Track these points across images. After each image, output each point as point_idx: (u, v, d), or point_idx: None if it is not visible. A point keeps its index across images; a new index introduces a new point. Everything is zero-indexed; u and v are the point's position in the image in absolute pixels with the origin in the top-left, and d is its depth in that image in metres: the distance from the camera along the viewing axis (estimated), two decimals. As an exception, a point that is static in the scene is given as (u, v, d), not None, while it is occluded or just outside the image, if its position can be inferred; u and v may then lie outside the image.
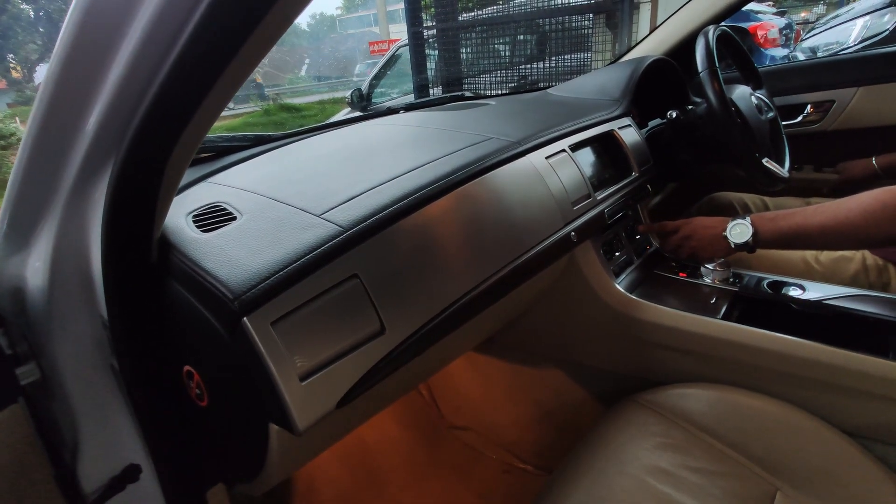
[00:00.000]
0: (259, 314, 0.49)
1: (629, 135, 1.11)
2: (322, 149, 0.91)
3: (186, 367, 0.59)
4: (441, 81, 3.06)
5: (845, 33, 2.40)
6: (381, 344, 0.57)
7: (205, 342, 0.54)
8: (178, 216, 0.65)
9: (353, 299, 0.56)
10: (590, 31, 2.44)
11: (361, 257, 0.58)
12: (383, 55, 4.60)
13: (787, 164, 1.20)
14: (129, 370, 0.59)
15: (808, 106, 1.43)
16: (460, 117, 1.07)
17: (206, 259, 0.54)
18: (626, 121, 1.14)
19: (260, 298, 0.49)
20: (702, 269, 1.01)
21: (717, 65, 1.06)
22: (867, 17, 2.33)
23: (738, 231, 0.92)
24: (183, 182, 0.79)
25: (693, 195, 1.47)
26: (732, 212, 1.34)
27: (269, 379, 0.49)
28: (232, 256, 0.54)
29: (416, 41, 2.89)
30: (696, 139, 1.17)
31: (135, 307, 0.57)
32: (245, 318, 0.49)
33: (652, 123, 1.30)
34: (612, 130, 1.07)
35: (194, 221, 0.63)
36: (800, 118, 1.44)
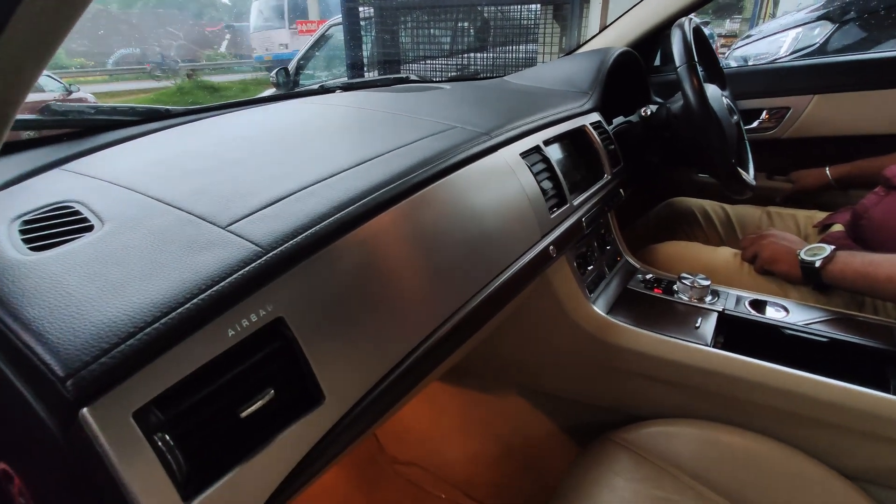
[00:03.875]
0: (109, 401, 0.29)
1: (600, 132, 0.98)
2: (235, 130, 0.70)
3: (2, 466, 0.37)
4: (376, 65, 2.84)
5: (776, 45, 2.48)
6: (318, 419, 0.39)
7: (28, 437, 0.33)
8: (1, 221, 0.43)
9: (273, 358, 0.38)
10: (537, 22, 2.33)
11: (287, 293, 0.39)
12: (312, 35, 4.27)
13: (751, 171, 1.14)
14: None
15: (764, 112, 1.39)
16: (413, 100, 0.89)
17: (29, 300, 0.33)
18: (597, 116, 1.01)
19: (111, 374, 0.30)
20: (677, 284, 0.91)
21: (696, 59, 0.96)
22: (798, 30, 2.41)
23: (814, 252, 0.88)
24: (24, 167, 0.56)
25: (649, 200, 1.40)
26: (692, 219, 1.27)
27: None
28: (74, 296, 0.33)
29: (351, 16, 2.65)
30: (666, 140, 1.08)
31: None
32: (84, 410, 0.29)
33: (616, 121, 1.19)
34: (584, 126, 0.95)
35: (22, 232, 0.41)
36: (755, 124, 1.40)
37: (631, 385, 0.83)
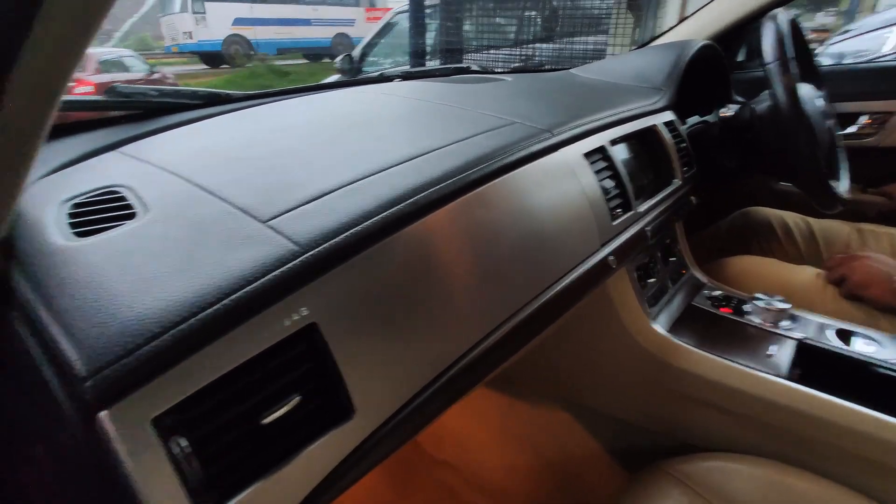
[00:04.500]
0: (128, 406, 0.28)
1: (672, 133, 0.91)
2: (289, 118, 0.68)
3: (26, 454, 0.37)
4: (439, 53, 2.81)
5: (878, 42, 2.24)
6: (347, 434, 0.37)
7: (53, 429, 0.32)
8: (53, 201, 0.43)
9: (305, 364, 0.35)
10: (608, 12, 2.22)
11: (323, 297, 0.37)
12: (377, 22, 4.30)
13: (845, 182, 1.02)
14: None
15: (864, 116, 1.24)
16: (472, 93, 0.85)
17: (64, 290, 0.32)
18: (670, 115, 0.94)
19: (133, 377, 0.28)
20: (749, 304, 0.83)
21: (792, 57, 0.86)
22: (906, 27, 2.16)
23: None
24: (86, 146, 0.56)
25: (722, 209, 1.29)
26: (769, 232, 1.16)
27: None
28: (106, 289, 0.32)
29: (417, 3, 2.63)
30: (747, 143, 0.98)
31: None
32: (102, 414, 0.27)
33: (690, 120, 1.10)
34: (654, 126, 0.87)
35: (71, 216, 0.41)
36: (853, 129, 1.26)
37: (689, 412, 0.76)
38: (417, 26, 2.62)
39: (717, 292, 0.89)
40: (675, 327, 0.79)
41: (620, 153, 0.78)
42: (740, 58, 1.46)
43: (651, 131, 0.87)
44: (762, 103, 0.93)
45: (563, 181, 0.62)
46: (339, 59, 4.07)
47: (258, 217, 0.40)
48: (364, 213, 0.41)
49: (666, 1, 2.08)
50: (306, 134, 0.61)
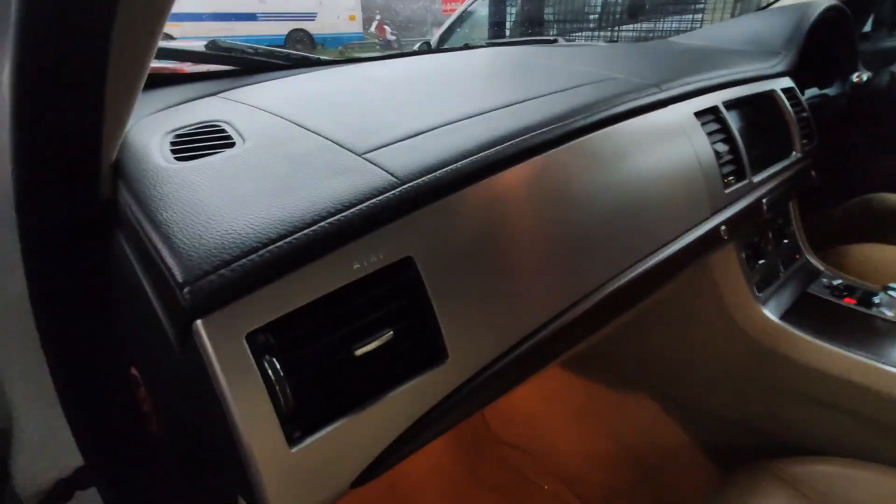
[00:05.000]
0: (224, 317, 0.27)
1: (793, 101, 0.81)
2: (379, 73, 0.67)
3: (133, 371, 0.38)
4: (518, 36, 2.74)
5: None
6: (438, 380, 0.34)
7: (153, 343, 0.32)
8: (158, 132, 0.43)
9: (399, 299, 0.33)
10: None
11: (420, 230, 0.34)
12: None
13: None
14: (52, 356, 0.39)
15: None
16: (566, 55, 0.80)
17: (165, 204, 0.32)
18: (790, 82, 0.83)
19: (230, 288, 0.27)
20: (881, 295, 0.72)
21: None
22: None
23: None
24: (188, 95, 0.58)
25: (842, 192, 1.14)
26: (893, 223, 1.02)
27: (234, 437, 0.27)
28: (205, 204, 0.32)
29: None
30: (880, 116, 0.86)
31: (63, 267, 0.37)
32: (199, 322, 0.26)
33: (809, 93, 0.98)
34: (773, 91, 0.78)
35: (172, 143, 0.41)
36: None
37: (800, 409, 0.68)
38: (497, 9, 2.56)
39: (838, 281, 0.78)
40: (787, 316, 0.70)
41: (735, 119, 0.70)
42: (866, 28, 1.29)
43: (768, 97, 0.78)
44: (905, 68, 0.81)
45: (672, 140, 0.56)
46: (416, 46, 4.10)
47: (355, 150, 0.38)
48: (463, 152, 0.39)
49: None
50: (399, 84, 0.59)
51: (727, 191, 0.60)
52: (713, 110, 0.64)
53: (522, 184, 0.41)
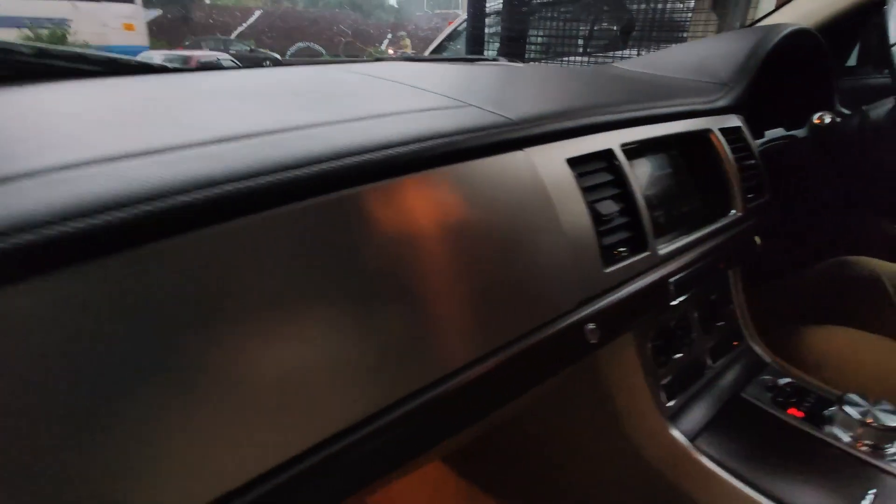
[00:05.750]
0: None
1: (736, 144, 0.64)
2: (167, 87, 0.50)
3: None
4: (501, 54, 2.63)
5: None
6: None
7: None
8: None
9: None
10: (688, 15, 1.90)
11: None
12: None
13: None
14: None
15: None
16: (448, 72, 0.63)
17: None
18: (735, 120, 0.66)
19: None
20: (835, 409, 0.54)
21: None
22: None
23: None
24: None
25: (807, 255, 0.97)
26: (878, 294, 0.83)
27: None
28: None
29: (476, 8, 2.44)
30: (851, 167, 0.69)
31: None
32: None
33: (771, 133, 0.81)
34: (709, 131, 0.61)
35: None
36: None
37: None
38: (476, 11, 2.42)
39: (785, 380, 0.60)
40: (704, 436, 0.52)
41: (645, 166, 0.53)
42: (851, 61, 1.12)
43: (704, 139, 0.61)
44: (882, 108, 0.64)
45: (522, 196, 0.39)
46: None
47: None
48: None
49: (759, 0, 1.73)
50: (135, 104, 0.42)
51: (608, 270, 0.43)
52: (603, 156, 0.47)
53: (238, 247, 0.25)
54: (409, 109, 0.41)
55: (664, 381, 0.53)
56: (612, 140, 0.48)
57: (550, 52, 2.58)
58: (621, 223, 0.46)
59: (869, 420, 0.51)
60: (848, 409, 0.52)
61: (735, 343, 0.63)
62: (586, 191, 0.43)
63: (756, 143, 0.72)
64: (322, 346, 0.28)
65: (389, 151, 0.32)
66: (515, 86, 0.57)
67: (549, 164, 0.42)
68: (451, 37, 4.09)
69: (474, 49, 2.51)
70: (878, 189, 0.66)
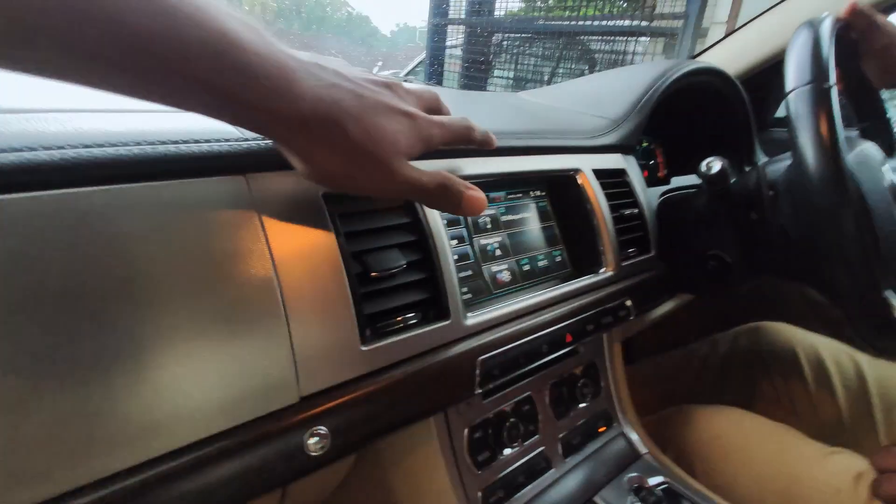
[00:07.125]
0: None
1: (618, 187, 0.54)
2: None
3: None
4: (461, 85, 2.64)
5: None
6: None
7: None
8: None
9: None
10: (638, 57, 1.87)
11: None
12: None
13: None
14: None
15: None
16: None
17: None
18: (620, 161, 0.57)
19: None
20: None
21: (833, 84, 0.47)
22: None
23: None
24: None
25: (720, 319, 0.87)
26: (789, 366, 0.74)
27: None
28: None
29: (436, 33, 2.43)
30: (753, 225, 0.59)
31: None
32: None
33: (677, 181, 0.72)
34: (579, 171, 0.51)
35: None
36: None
37: None
38: (434, 52, 2.42)
39: (657, 479, 0.48)
40: None
41: (491, 209, 0.43)
42: (781, 112, 1.06)
43: (569, 180, 0.51)
44: (779, 163, 0.55)
45: (236, 233, 0.28)
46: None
47: None
48: None
49: (704, 44, 1.70)
50: None
51: (369, 347, 0.31)
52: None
53: None
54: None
55: (484, 487, 0.41)
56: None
57: (515, 77, 2.59)
58: (411, 281, 0.34)
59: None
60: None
61: (600, 429, 0.52)
62: (349, 237, 0.32)
63: (651, 191, 0.62)
64: None
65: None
66: None
67: (304, 196, 0.30)
68: (413, 71, 4.15)
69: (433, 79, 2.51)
70: (781, 254, 0.57)
